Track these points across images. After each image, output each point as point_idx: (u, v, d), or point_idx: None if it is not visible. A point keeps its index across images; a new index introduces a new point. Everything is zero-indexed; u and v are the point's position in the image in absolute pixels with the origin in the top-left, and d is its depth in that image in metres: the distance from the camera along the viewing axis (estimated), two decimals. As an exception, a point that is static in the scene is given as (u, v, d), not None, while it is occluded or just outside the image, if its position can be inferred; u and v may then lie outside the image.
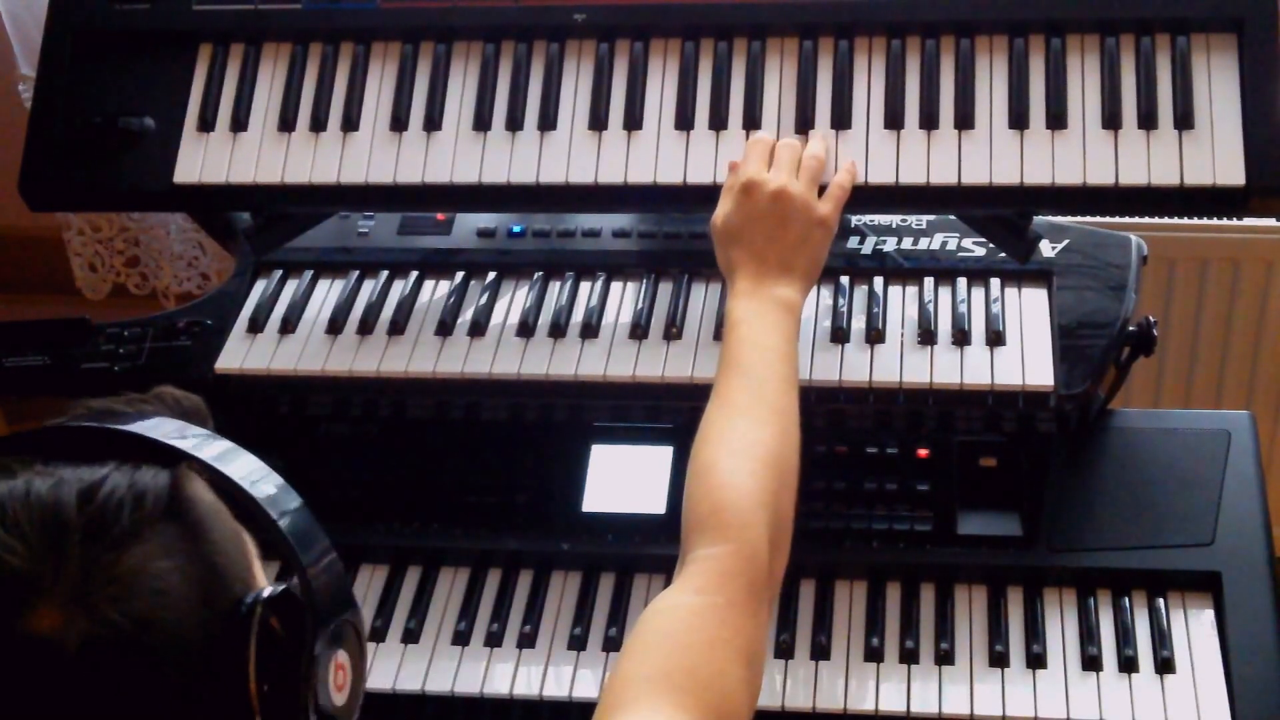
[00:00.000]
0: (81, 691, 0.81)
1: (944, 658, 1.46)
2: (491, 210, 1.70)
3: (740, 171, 1.40)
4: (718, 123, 1.50)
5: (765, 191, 1.37)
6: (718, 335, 1.54)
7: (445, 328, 1.60)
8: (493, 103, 1.53)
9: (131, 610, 0.82)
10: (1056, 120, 1.44)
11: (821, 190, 1.41)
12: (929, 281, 1.60)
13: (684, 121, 1.50)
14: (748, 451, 1.23)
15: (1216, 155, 1.40)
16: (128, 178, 1.57)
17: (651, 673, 1.05)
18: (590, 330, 1.58)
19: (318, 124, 1.55)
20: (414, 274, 1.67)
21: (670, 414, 1.58)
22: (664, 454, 1.58)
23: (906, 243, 1.64)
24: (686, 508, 1.22)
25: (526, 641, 1.52)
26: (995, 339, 1.53)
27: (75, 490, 0.83)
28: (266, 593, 0.88)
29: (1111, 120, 1.43)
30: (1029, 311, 1.57)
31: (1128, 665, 1.43)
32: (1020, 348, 1.53)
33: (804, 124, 1.48)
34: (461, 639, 1.53)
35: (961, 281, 1.59)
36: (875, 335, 1.54)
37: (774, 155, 1.41)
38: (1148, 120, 1.42)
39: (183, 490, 0.88)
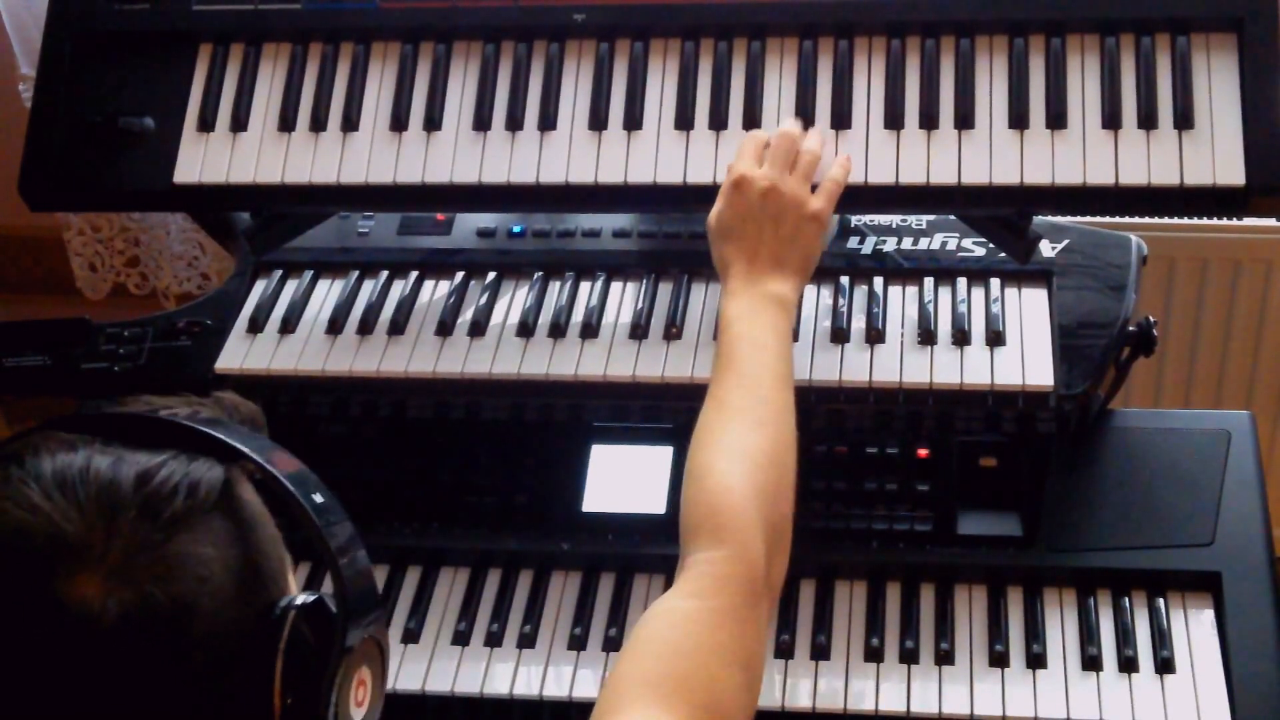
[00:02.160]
0: (110, 664, 0.83)
1: (944, 658, 1.46)
2: (491, 210, 1.70)
3: (732, 168, 1.40)
4: (718, 123, 1.50)
5: (756, 188, 1.37)
6: (718, 335, 1.54)
7: (445, 328, 1.60)
8: (493, 103, 1.53)
9: (171, 591, 0.84)
10: (1056, 120, 1.44)
11: (816, 186, 1.41)
12: (929, 281, 1.60)
13: (684, 121, 1.50)
14: (744, 454, 1.22)
15: (1216, 155, 1.40)
16: (128, 178, 1.57)
17: (646, 677, 1.06)
18: (590, 330, 1.58)
19: (318, 124, 1.55)
20: (414, 274, 1.67)
21: (670, 414, 1.57)
22: (664, 454, 1.58)
23: (906, 243, 1.64)
24: (683, 511, 1.22)
25: (526, 641, 1.52)
26: (995, 339, 1.53)
27: (134, 471, 0.86)
28: (300, 599, 0.90)
29: (1111, 120, 1.43)
30: (1029, 311, 1.57)
31: (1128, 665, 1.43)
32: (1020, 348, 1.53)
33: (804, 124, 1.47)
34: (461, 639, 1.53)
35: (961, 281, 1.59)
36: (875, 335, 1.54)
37: (769, 148, 1.41)
38: (1148, 120, 1.42)
39: (234, 488, 0.91)
